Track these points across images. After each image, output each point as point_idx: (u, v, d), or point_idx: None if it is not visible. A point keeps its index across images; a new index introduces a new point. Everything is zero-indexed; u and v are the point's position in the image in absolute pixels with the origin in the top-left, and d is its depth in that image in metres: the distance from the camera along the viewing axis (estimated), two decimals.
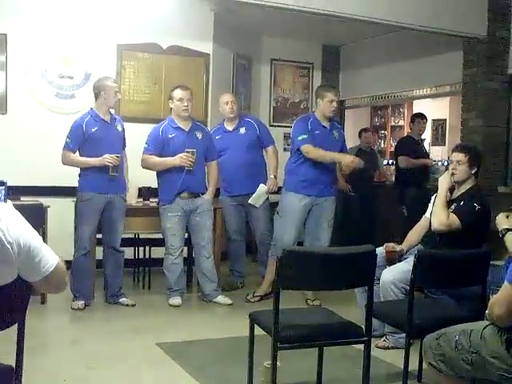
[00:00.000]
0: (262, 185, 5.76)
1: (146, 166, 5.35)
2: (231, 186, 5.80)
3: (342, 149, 5.49)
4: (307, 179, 5.31)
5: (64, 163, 5.11)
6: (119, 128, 5.25)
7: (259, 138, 5.82)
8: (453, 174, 4.10)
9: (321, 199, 5.36)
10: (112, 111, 5.31)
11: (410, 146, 7.20)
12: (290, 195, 5.38)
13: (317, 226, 5.40)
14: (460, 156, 4.11)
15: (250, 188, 5.74)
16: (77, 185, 5.16)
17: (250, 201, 5.75)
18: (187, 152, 5.19)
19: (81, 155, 5.06)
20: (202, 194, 5.39)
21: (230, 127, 5.83)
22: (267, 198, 5.84)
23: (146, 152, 5.31)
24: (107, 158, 4.99)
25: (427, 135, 9.31)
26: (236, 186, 5.76)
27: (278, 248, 5.23)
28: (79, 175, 5.14)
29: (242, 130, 5.81)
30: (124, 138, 5.34)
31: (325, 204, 5.38)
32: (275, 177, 5.82)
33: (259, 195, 5.77)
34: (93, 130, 5.03)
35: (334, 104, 5.29)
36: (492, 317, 2.41)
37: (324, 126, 5.35)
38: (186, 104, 5.26)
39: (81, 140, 5.02)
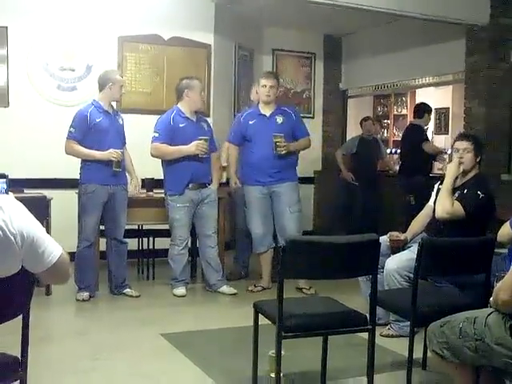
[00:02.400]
0: None
1: (158, 154, 5.30)
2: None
3: (295, 132, 5.44)
4: (255, 168, 5.39)
5: (67, 153, 5.10)
6: (120, 121, 5.25)
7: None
8: (460, 163, 4.08)
9: (277, 185, 5.38)
10: (113, 104, 5.29)
11: (424, 133, 7.30)
12: (246, 189, 5.51)
13: (279, 213, 5.43)
14: (466, 144, 4.10)
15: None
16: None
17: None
18: (200, 139, 5.20)
19: (84, 145, 5.03)
20: (208, 184, 5.40)
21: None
22: None
23: (157, 140, 5.24)
24: (112, 153, 4.99)
25: (430, 124, 9.29)
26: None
27: (253, 242, 5.52)
28: (81, 167, 5.13)
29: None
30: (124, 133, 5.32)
31: (282, 190, 5.38)
32: None
33: None
34: (97, 121, 5.02)
35: (267, 89, 5.34)
36: (497, 303, 2.41)
37: (263, 114, 5.40)
38: (204, 96, 5.35)
39: (85, 129, 5.00)
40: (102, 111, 5.07)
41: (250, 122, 5.43)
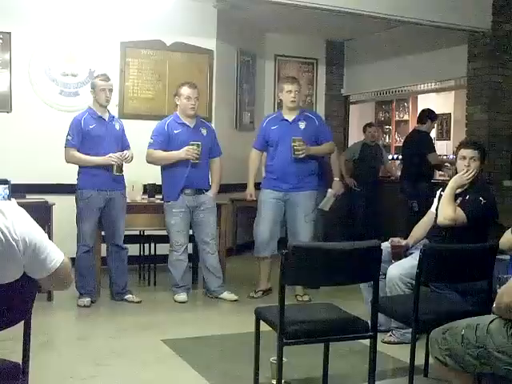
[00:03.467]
0: (329, 190, 5.89)
1: (151, 160, 5.34)
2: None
3: (318, 137, 5.43)
4: (276, 174, 5.37)
5: (68, 161, 5.12)
6: (117, 127, 5.23)
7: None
8: (467, 171, 4.04)
9: (294, 193, 5.35)
10: (116, 110, 5.29)
11: (432, 142, 7.25)
12: (262, 192, 5.48)
13: (293, 221, 5.39)
14: (474, 153, 4.07)
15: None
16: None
17: (319, 206, 5.80)
18: (192, 145, 5.19)
19: (81, 152, 5.04)
20: (206, 190, 5.40)
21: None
22: (335, 200, 6.00)
23: (151, 147, 5.31)
24: (112, 158, 5.00)
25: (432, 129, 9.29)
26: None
27: (256, 244, 5.47)
28: (79, 172, 5.13)
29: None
30: (125, 139, 5.30)
31: (299, 198, 5.36)
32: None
33: (328, 199, 5.91)
34: (90, 127, 5.04)
35: (293, 94, 5.33)
36: (500, 307, 2.39)
37: (285, 120, 5.39)
38: (193, 102, 5.29)
39: (80, 136, 5.03)
40: (96, 117, 5.09)
41: (273, 128, 5.42)
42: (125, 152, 5.14)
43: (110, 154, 5.01)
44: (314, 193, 5.47)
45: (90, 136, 5.03)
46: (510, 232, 3.47)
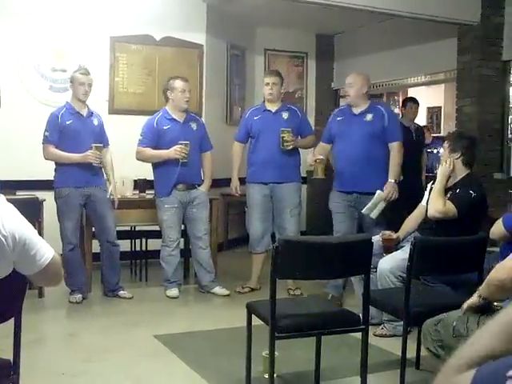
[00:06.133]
0: (378, 191, 4.79)
1: (140, 158, 5.34)
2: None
3: (301, 130, 5.45)
4: (258, 166, 5.36)
5: (46, 158, 5.09)
6: (95, 122, 5.18)
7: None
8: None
9: (279, 186, 5.35)
10: (106, 106, 5.25)
11: None
12: (248, 186, 5.47)
13: (280, 215, 5.40)
14: (444, 144, 4.18)
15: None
16: None
17: (363, 211, 4.81)
18: (181, 144, 5.18)
19: (59, 149, 5.01)
20: (198, 185, 5.39)
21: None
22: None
23: (141, 144, 5.30)
24: (89, 156, 4.95)
25: (423, 123, 9.29)
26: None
27: (250, 242, 5.47)
28: (55, 170, 5.10)
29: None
30: (104, 134, 5.24)
31: (284, 192, 5.36)
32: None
33: (373, 204, 4.79)
34: (67, 123, 5.00)
35: (270, 86, 5.37)
36: (492, 282, 2.39)
37: (268, 110, 5.42)
38: (187, 95, 5.30)
39: (58, 132, 5.00)
40: (74, 113, 5.05)
41: (255, 118, 5.43)
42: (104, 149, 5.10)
43: (87, 153, 4.95)
44: (298, 185, 5.47)
45: (66, 131, 4.99)
46: (501, 222, 3.48)
